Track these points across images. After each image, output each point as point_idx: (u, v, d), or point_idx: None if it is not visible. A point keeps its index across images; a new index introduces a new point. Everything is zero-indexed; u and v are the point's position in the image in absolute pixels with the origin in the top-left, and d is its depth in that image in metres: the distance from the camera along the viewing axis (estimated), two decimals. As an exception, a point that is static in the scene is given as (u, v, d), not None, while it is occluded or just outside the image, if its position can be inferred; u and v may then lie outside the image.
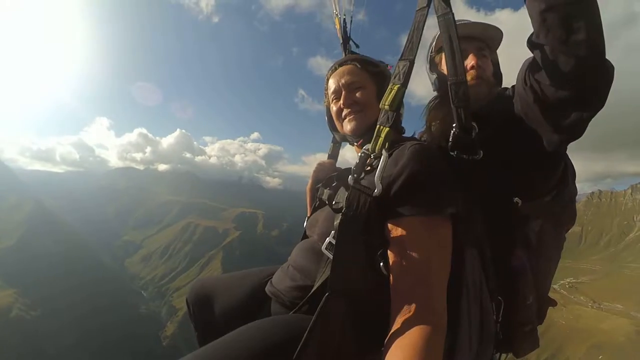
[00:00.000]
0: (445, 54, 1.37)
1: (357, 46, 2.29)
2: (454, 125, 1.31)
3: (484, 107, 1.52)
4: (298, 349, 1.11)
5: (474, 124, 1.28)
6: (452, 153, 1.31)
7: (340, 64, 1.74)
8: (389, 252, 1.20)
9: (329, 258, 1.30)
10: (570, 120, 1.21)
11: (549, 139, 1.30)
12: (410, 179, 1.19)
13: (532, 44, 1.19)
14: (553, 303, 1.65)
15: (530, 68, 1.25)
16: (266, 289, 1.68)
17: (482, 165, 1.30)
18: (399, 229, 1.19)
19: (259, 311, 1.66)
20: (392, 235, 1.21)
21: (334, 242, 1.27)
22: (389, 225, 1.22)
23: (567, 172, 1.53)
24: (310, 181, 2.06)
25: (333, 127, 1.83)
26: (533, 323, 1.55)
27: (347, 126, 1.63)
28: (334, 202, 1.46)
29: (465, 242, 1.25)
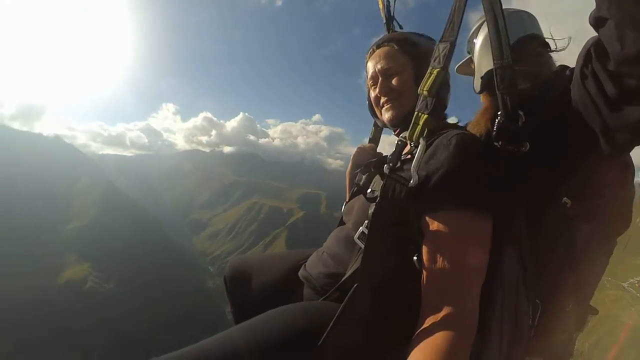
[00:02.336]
0: (490, 35, 1.24)
1: (401, 27, 2.11)
2: (499, 113, 1.19)
3: (535, 93, 1.32)
4: (323, 337, 1.10)
5: (520, 112, 1.15)
6: (496, 144, 1.20)
7: (378, 45, 1.61)
8: (423, 246, 1.14)
9: (361, 248, 1.26)
10: (637, 115, 1.02)
11: (608, 137, 1.11)
12: (450, 171, 1.12)
13: (594, 20, 1.02)
14: (594, 311, 1.48)
15: (593, 48, 1.09)
16: (299, 272, 1.64)
17: (529, 159, 1.17)
18: (436, 223, 1.13)
19: (292, 294, 1.61)
20: (428, 229, 1.14)
21: (366, 231, 1.22)
22: (426, 219, 1.15)
23: (628, 172, 1.33)
24: (349, 165, 1.96)
25: (373, 113, 1.72)
26: (570, 331, 1.44)
27: (385, 115, 1.54)
28: (369, 190, 1.40)
29: (505, 241, 1.16)
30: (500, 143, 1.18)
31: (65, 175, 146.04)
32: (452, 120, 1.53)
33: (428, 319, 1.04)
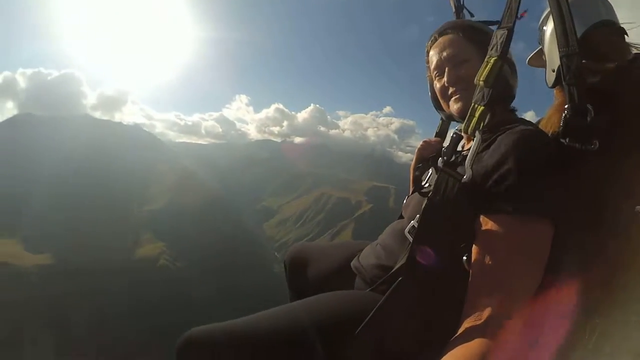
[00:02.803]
0: (553, 21, 1.17)
1: (472, 15, 1.96)
2: (566, 106, 1.10)
3: (608, 85, 1.19)
4: (361, 326, 1.09)
5: (589, 106, 1.05)
6: (562, 141, 1.10)
7: (441, 33, 1.51)
8: (474, 246, 1.08)
9: (410, 242, 1.22)
10: None
11: None
12: (511, 170, 1.03)
13: None
14: None
15: None
16: (352, 263, 1.63)
17: (599, 159, 1.06)
18: (490, 223, 1.06)
19: (345, 283, 1.59)
20: (481, 230, 1.08)
21: (416, 226, 1.20)
22: (480, 218, 1.09)
23: None
24: (414, 159, 1.88)
25: (438, 106, 1.63)
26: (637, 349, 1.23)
27: (454, 106, 1.42)
28: (426, 185, 1.36)
29: (565, 250, 1.06)
30: (567, 140, 1.08)
31: (144, 161, 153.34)
32: (528, 116, 1.30)
33: (466, 324, 0.99)
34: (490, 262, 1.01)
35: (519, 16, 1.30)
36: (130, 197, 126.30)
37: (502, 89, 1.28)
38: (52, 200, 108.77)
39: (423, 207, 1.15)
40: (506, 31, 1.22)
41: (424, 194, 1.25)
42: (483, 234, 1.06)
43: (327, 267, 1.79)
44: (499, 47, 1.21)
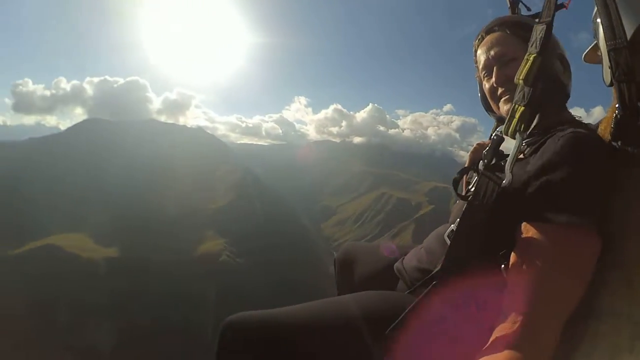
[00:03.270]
0: (599, 13, 1.07)
1: (529, 9, 1.74)
2: (616, 106, 1.01)
3: None
4: (391, 326, 1.09)
5: None
6: (614, 144, 1.02)
7: (487, 31, 1.45)
8: (513, 255, 1.03)
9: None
10: None
11: None
12: (556, 176, 0.97)
13: None
14: None
15: None
16: (395, 265, 1.64)
17: None
18: (532, 232, 1.00)
19: (389, 284, 1.61)
20: (522, 237, 1.02)
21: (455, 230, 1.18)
22: (522, 225, 1.04)
23: None
24: (467, 162, 1.84)
25: (488, 107, 1.58)
26: None
27: (503, 107, 1.36)
28: (471, 188, 1.30)
29: (611, 265, 0.98)
30: (618, 144, 1.00)
31: (207, 162, 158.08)
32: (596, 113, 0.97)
33: (495, 334, 0.96)
34: (529, 274, 0.97)
35: (563, 5, 1.26)
36: (194, 196, 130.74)
37: (550, 87, 1.21)
38: (119, 198, 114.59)
39: (462, 211, 1.12)
40: (545, 26, 1.15)
41: (464, 198, 1.19)
42: (524, 242, 1.01)
43: (373, 268, 1.80)
44: (538, 43, 1.15)
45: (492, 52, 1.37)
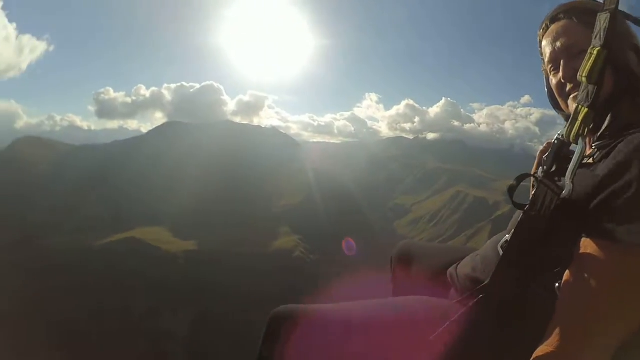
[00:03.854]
0: None
1: None
2: None
3: None
4: (436, 334, 1.06)
5: None
6: None
7: (552, 19, 1.28)
8: (568, 272, 0.95)
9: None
10: None
11: None
12: (627, 187, 0.85)
13: None
14: None
15: None
16: (448, 270, 1.59)
17: None
18: (592, 249, 0.90)
19: (441, 289, 1.58)
20: (580, 254, 0.93)
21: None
22: (582, 241, 0.94)
23: None
24: (535, 164, 1.68)
25: (555, 105, 1.41)
26: None
27: (573, 105, 1.18)
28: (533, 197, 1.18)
29: None
30: None
31: (281, 160, 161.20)
32: None
33: (540, 352, 0.88)
34: (584, 295, 0.87)
35: None
36: (269, 193, 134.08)
37: (622, 84, 1.08)
38: (198, 195, 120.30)
39: (518, 220, 1.06)
40: (609, 14, 1.02)
41: (520, 207, 1.12)
42: (582, 260, 0.92)
43: (429, 270, 1.75)
44: (602, 34, 1.02)
45: (558, 44, 1.22)
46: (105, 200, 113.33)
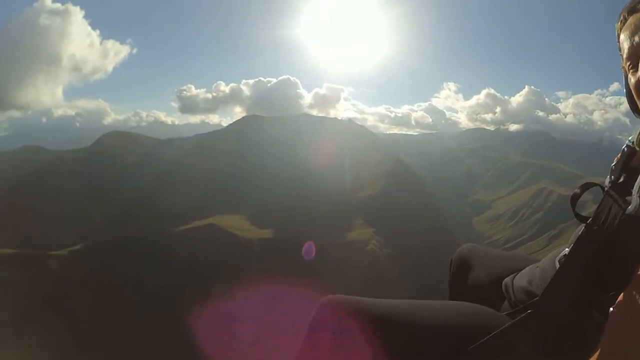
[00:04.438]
0: None
1: None
2: None
3: None
4: (475, 345, 1.02)
5: None
6: None
7: (630, 11, 1.15)
8: (623, 296, 0.84)
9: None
10: None
11: None
12: None
13: None
14: None
15: None
16: (504, 280, 1.53)
17: None
18: None
19: (496, 299, 1.52)
20: (639, 275, 0.83)
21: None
22: None
23: None
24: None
25: (634, 107, 1.25)
26: None
27: None
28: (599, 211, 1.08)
29: None
30: None
31: (357, 152, 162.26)
32: None
33: None
34: (635, 326, 0.77)
35: None
36: (345, 185, 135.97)
37: None
38: (276, 185, 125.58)
39: (579, 234, 1.00)
40: None
41: (582, 219, 1.06)
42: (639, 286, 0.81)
43: (486, 276, 1.70)
44: None
45: (636, 38, 1.08)
46: (187, 189, 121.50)
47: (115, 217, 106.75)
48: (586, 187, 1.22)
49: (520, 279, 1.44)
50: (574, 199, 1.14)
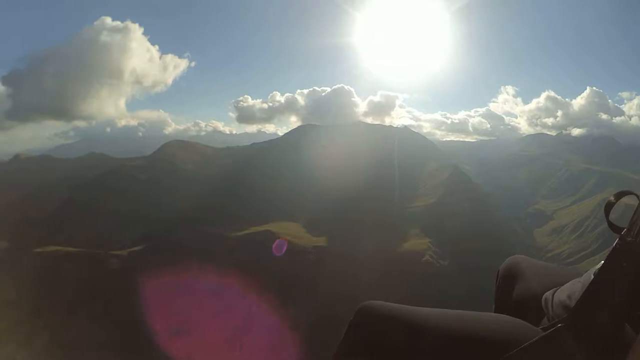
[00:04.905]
0: None
1: None
2: None
3: None
4: (502, 358, 1.01)
5: None
6: None
7: None
8: None
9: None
10: None
11: None
12: None
13: None
14: None
15: None
16: (545, 294, 1.50)
17: None
18: None
19: (539, 313, 1.50)
20: None
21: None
22: None
23: None
24: None
25: None
26: None
27: None
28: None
29: None
30: None
31: (413, 160, 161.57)
32: None
33: None
34: None
35: None
36: (401, 193, 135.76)
37: None
38: (331, 193, 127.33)
39: (612, 247, 0.98)
40: None
41: (616, 230, 1.04)
42: None
43: (529, 290, 1.69)
44: None
45: None
46: (244, 196, 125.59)
47: (173, 222, 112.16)
48: (620, 195, 1.22)
49: (561, 294, 1.42)
50: (608, 207, 1.13)
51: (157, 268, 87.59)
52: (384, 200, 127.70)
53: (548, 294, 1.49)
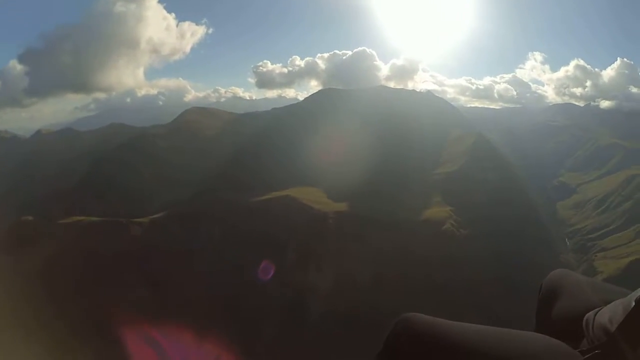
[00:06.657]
0: None
1: None
2: None
3: None
4: None
5: None
6: None
7: None
8: None
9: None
10: None
11: None
12: None
13: None
14: None
15: None
16: (586, 315, 1.46)
17: None
18: None
19: (579, 334, 1.46)
20: None
21: None
22: None
23: None
24: None
25: None
26: None
27: None
28: None
29: None
30: None
31: (437, 126, 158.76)
32: None
33: None
34: None
35: None
36: (424, 160, 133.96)
37: None
38: (353, 159, 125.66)
39: None
40: None
41: None
42: None
43: (570, 309, 1.62)
44: None
45: None
46: (265, 162, 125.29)
47: (195, 188, 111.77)
48: None
49: (602, 316, 1.36)
50: None
51: (178, 234, 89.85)
52: (407, 167, 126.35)
53: (590, 314, 1.45)
